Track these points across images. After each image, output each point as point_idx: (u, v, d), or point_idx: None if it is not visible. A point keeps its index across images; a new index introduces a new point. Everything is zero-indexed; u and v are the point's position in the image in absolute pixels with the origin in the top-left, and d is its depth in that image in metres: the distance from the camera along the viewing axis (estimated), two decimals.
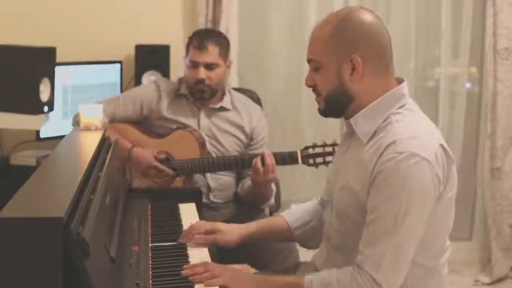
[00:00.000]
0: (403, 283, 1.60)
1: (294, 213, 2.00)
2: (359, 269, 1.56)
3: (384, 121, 1.64)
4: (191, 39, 2.76)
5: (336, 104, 1.69)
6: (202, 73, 2.70)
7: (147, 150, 2.67)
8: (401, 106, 1.66)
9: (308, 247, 2.00)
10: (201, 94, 2.75)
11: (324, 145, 2.59)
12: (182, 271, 1.66)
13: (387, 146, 1.57)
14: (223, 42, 2.76)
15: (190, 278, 1.63)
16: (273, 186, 2.70)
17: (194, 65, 2.71)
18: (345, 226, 1.71)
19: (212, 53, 2.70)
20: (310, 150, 2.60)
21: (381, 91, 1.66)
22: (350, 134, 1.74)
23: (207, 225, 1.96)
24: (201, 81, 2.71)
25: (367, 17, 1.66)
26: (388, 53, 1.68)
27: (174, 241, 1.92)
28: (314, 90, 1.72)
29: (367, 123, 1.65)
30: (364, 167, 1.61)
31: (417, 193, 1.54)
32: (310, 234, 1.95)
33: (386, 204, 1.54)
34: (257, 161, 2.52)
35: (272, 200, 2.77)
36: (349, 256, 1.63)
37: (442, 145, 1.61)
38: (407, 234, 1.54)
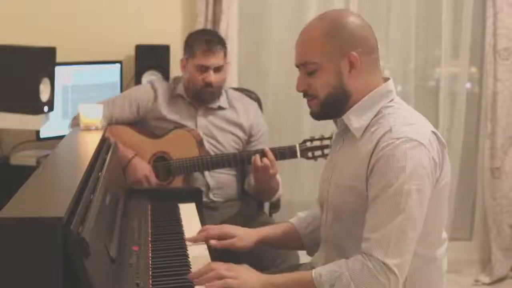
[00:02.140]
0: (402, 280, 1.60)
1: (303, 220, 1.99)
2: (368, 256, 1.57)
3: (376, 115, 1.69)
4: (193, 42, 2.75)
5: (334, 104, 1.71)
6: (213, 76, 2.71)
7: (144, 165, 2.69)
8: (390, 101, 1.71)
9: (314, 254, 1.99)
10: (210, 97, 2.76)
11: (322, 138, 2.60)
12: (189, 275, 1.63)
13: (383, 135, 1.62)
14: (224, 43, 2.78)
15: (196, 280, 1.61)
16: (278, 176, 2.69)
17: (203, 68, 2.71)
18: (342, 223, 1.72)
19: (219, 56, 2.73)
20: (308, 144, 2.61)
21: (371, 88, 1.71)
22: (343, 132, 1.76)
23: (216, 229, 1.94)
24: (209, 85, 2.71)
25: (354, 17, 1.72)
26: (376, 53, 1.73)
27: (176, 240, 1.92)
28: (306, 95, 1.75)
29: (359, 119, 1.69)
30: (360, 160, 1.64)
31: (416, 175, 1.57)
32: (319, 241, 1.93)
33: (386, 189, 1.56)
34: (256, 159, 2.53)
35: (281, 191, 2.78)
36: (347, 255, 1.63)
37: (434, 132, 1.66)
38: (410, 217, 1.56)
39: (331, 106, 1.71)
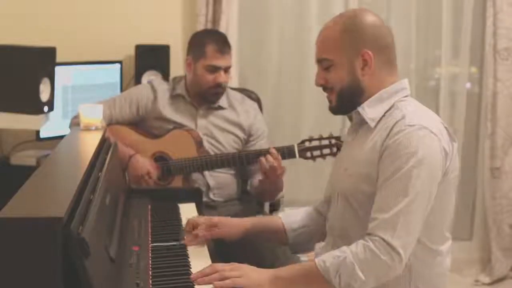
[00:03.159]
0: (406, 261, 1.62)
1: (291, 216, 2.01)
2: (370, 237, 1.60)
3: (390, 108, 1.74)
4: (205, 42, 2.73)
5: (349, 98, 1.77)
6: (224, 77, 2.72)
7: (146, 161, 2.69)
8: (404, 97, 1.77)
9: (296, 251, 2.03)
10: (216, 97, 2.77)
11: (321, 138, 2.60)
12: (191, 276, 1.62)
13: (396, 122, 1.67)
14: (230, 45, 2.78)
15: (199, 280, 1.60)
16: None
17: (213, 69, 2.71)
18: (352, 211, 1.75)
19: (230, 57, 2.75)
20: (307, 143, 2.61)
21: (387, 85, 1.77)
22: (358, 124, 1.81)
23: (203, 219, 1.97)
24: (220, 85, 2.72)
25: (371, 16, 1.78)
26: (392, 49, 1.80)
27: (176, 240, 1.92)
28: (325, 89, 1.81)
29: (374, 109, 1.75)
30: (373, 147, 1.70)
31: (426, 161, 1.61)
32: (304, 238, 1.97)
33: (397, 171, 1.61)
34: (262, 161, 2.52)
35: (283, 191, 2.78)
36: (354, 240, 1.64)
37: (445, 126, 1.72)
38: (417, 200, 1.60)
39: (346, 99, 1.78)
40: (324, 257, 1.62)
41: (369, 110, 1.75)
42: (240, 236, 1.96)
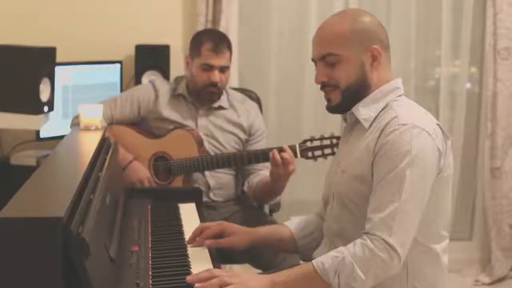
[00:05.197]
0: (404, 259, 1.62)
1: (298, 223, 2.00)
2: (368, 235, 1.60)
3: (384, 108, 1.75)
4: (201, 41, 2.73)
5: (354, 96, 1.77)
6: (218, 76, 2.71)
7: (143, 170, 2.69)
8: (398, 96, 1.78)
9: (305, 258, 1.99)
10: (211, 96, 2.76)
11: (322, 138, 2.59)
12: (186, 278, 1.60)
13: (389, 121, 1.68)
14: (230, 45, 2.77)
15: (197, 286, 1.57)
16: None
17: (208, 68, 2.71)
18: (348, 211, 1.75)
19: (226, 56, 2.73)
20: (308, 143, 2.60)
21: (383, 82, 1.78)
22: (352, 125, 1.82)
23: (214, 226, 1.94)
24: (214, 84, 2.71)
25: (371, 16, 1.81)
26: (389, 50, 1.82)
27: (177, 240, 1.91)
28: (326, 86, 1.79)
29: (368, 109, 1.76)
30: (366, 148, 1.70)
31: (420, 160, 1.62)
32: (314, 245, 1.95)
33: (390, 171, 1.62)
34: (274, 153, 2.45)
35: (280, 196, 2.78)
36: (350, 240, 1.64)
37: (438, 124, 1.73)
38: (413, 199, 1.61)
39: (352, 96, 1.77)
40: (322, 259, 1.61)
41: (363, 111, 1.76)
42: (249, 245, 1.95)
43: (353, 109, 1.77)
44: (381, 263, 1.58)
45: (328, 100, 1.81)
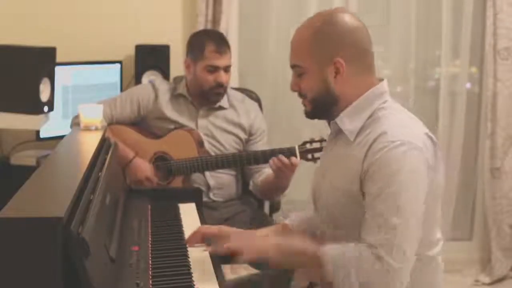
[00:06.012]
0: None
1: (299, 221, 1.98)
2: (379, 257, 1.55)
3: (370, 117, 1.68)
4: (203, 42, 2.73)
5: (323, 106, 1.72)
6: (224, 77, 2.72)
7: (146, 165, 2.69)
8: (383, 102, 1.70)
9: None
10: (217, 97, 2.76)
11: (322, 140, 2.60)
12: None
13: (377, 137, 1.61)
14: (229, 44, 2.78)
15: (210, 251, 1.73)
16: None
17: (213, 69, 2.71)
18: (335, 225, 1.72)
19: (228, 56, 2.74)
20: (308, 145, 2.60)
21: (364, 90, 1.70)
22: (335, 134, 1.77)
23: (217, 230, 1.91)
24: (221, 85, 2.72)
25: (348, 19, 1.69)
26: (369, 54, 1.71)
27: (177, 240, 1.91)
28: (299, 95, 1.75)
29: (353, 121, 1.69)
30: (353, 163, 1.64)
31: (412, 178, 1.57)
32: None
33: (384, 191, 1.56)
34: (272, 164, 2.51)
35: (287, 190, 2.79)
36: (348, 232, 1.64)
37: (427, 133, 1.67)
38: (409, 218, 1.56)
39: (319, 107, 1.73)
40: (331, 251, 1.60)
41: (348, 122, 1.69)
42: None
43: (337, 120, 1.71)
44: (381, 284, 1.55)
45: (304, 106, 1.77)
